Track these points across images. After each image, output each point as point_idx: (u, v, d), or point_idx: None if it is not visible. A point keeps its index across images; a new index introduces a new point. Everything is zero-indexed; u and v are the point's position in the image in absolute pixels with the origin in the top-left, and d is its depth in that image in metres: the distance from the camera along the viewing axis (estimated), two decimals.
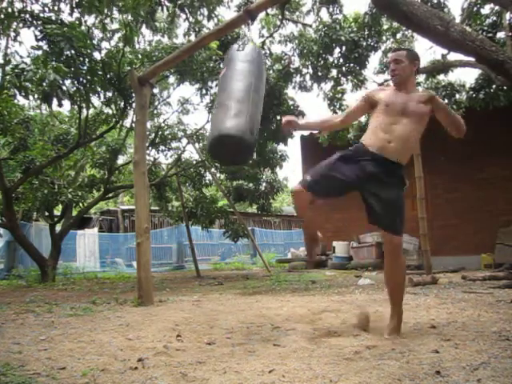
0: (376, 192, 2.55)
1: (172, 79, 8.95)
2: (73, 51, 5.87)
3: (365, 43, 7.45)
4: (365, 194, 2.60)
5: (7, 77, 4.85)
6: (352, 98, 8.76)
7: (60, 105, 5.45)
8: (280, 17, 7.97)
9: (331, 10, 7.66)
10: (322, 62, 7.75)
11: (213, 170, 10.17)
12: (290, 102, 8.73)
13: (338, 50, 7.59)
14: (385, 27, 7.80)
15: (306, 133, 10.45)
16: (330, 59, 7.80)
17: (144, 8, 6.07)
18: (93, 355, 2.24)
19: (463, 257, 8.14)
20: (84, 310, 3.93)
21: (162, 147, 9.81)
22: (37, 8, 6.03)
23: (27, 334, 2.83)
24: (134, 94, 5.61)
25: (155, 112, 9.80)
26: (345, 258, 9.54)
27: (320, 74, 7.93)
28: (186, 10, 6.70)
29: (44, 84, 4.90)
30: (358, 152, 2.58)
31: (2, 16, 5.53)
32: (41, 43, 5.85)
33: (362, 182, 2.53)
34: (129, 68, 6.57)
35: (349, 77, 8.10)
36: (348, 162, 2.53)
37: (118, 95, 7.32)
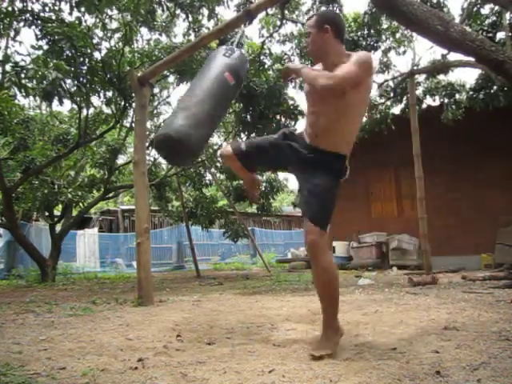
0: (304, 176, 2.29)
1: (172, 79, 8.96)
2: (73, 50, 5.88)
3: (364, 43, 7.46)
4: (296, 177, 2.44)
5: (7, 75, 4.84)
6: None
7: (61, 103, 5.45)
8: (280, 16, 7.96)
9: (331, 9, 7.65)
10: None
11: (213, 169, 10.17)
12: (290, 102, 8.73)
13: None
14: (384, 27, 7.81)
15: None
16: None
17: (144, 7, 6.07)
18: (93, 355, 2.24)
19: (463, 257, 8.15)
20: (84, 310, 3.93)
21: None
22: (37, 7, 6.05)
23: (27, 334, 2.83)
24: (133, 94, 5.61)
25: (155, 112, 9.81)
26: (345, 257, 9.55)
27: None
28: (186, 9, 6.70)
29: (45, 82, 4.90)
30: (298, 136, 2.38)
31: (2, 15, 5.53)
32: (41, 42, 5.86)
33: (292, 164, 2.37)
34: (129, 68, 6.57)
35: None
36: (287, 141, 2.35)
37: (117, 95, 7.32)
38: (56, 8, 6.09)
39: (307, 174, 2.25)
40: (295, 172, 2.46)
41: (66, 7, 8.49)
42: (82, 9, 5.69)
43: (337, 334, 2.18)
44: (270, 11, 8.18)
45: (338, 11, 7.63)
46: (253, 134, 8.97)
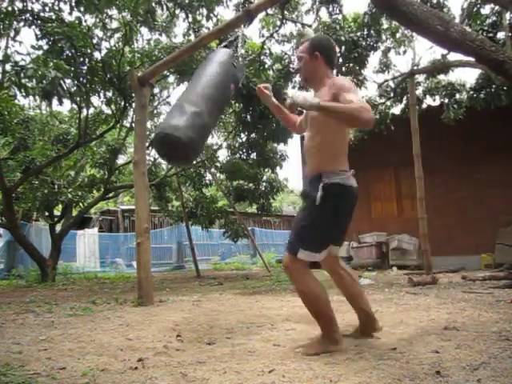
0: None
1: (172, 79, 8.96)
2: (73, 50, 5.88)
3: (364, 43, 7.45)
4: None
5: (7, 75, 4.84)
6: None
7: (60, 103, 5.44)
8: (280, 16, 7.96)
9: (331, 9, 7.65)
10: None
11: (213, 169, 10.17)
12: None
13: (337, 49, 7.58)
14: (384, 27, 7.80)
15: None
16: None
17: (143, 7, 6.07)
18: (93, 355, 2.24)
19: (463, 257, 8.15)
20: (84, 310, 3.93)
21: None
22: (37, 7, 6.05)
23: (27, 334, 2.83)
24: (133, 94, 5.61)
25: (155, 112, 9.81)
26: (345, 257, 9.54)
27: None
28: (186, 9, 6.70)
29: (44, 81, 4.90)
30: None
31: (2, 15, 5.53)
32: (41, 42, 5.86)
33: None
34: (129, 68, 6.57)
35: (348, 76, 8.10)
36: None
37: (118, 95, 7.32)
38: (56, 8, 6.09)
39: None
40: None
41: (65, 7, 8.49)
42: (82, 8, 5.69)
43: (332, 345, 2.17)
44: (269, 11, 8.18)
45: (337, 11, 7.65)
46: (253, 134, 8.98)
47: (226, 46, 3.17)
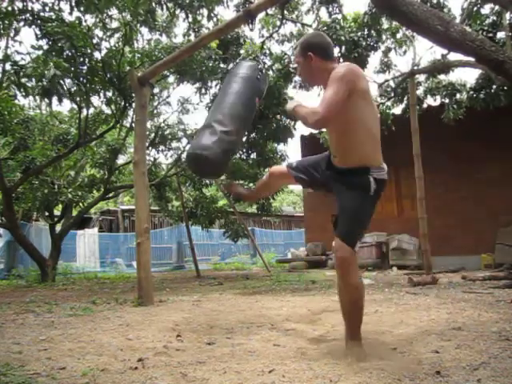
0: (336, 195, 2.31)
1: (172, 79, 8.95)
2: (73, 50, 5.88)
3: (364, 43, 7.45)
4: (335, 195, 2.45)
5: (6, 74, 4.84)
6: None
7: (60, 101, 5.44)
8: (280, 16, 7.97)
9: (331, 9, 7.65)
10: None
11: None
12: None
13: (337, 49, 7.59)
14: (384, 27, 7.79)
15: (306, 132, 10.46)
16: None
17: (144, 7, 6.07)
18: (93, 355, 2.24)
19: (463, 257, 8.15)
20: (84, 310, 3.93)
21: (161, 147, 9.81)
22: (37, 7, 6.05)
23: (27, 334, 2.83)
24: (133, 94, 5.61)
25: (155, 112, 9.80)
26: None
27: None
28: (186, 9, 6.70)
29: (44, 80, 4.90)
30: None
31: (2, 15, 5.53)
32: (41, 42, 5.86)
33: (328, 183, 2.39)
34: (129, 68, 6.57)
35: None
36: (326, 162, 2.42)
37: (117, 95, 7.32)
38: (56, 8, 6.09)
39: (337, 193, 2.29)
40: (333, 190, 2.42)
41: (66, 7, 8.50)
42: (82, 8, 5.69)
43: (361, 346, 2.10)
44: (270, 11, 8.19)
45: (337, 11, 7.64)
46: (253, 134, 8.98)
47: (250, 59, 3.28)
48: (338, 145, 2.27)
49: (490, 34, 6.84)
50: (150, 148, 9.34)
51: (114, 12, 6.51)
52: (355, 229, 2.17)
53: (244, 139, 3.38)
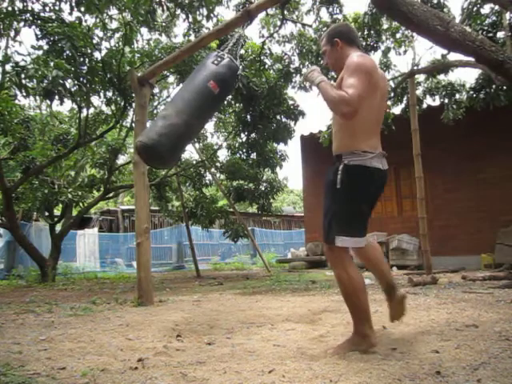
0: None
1: (172, 79, 8.96)
2: (73, 50, 5.88)
3: (364, 43, 7.45)
4: None
5: (7, 75, 4.84)
6: None
7: (61, 102, 5.44)
8: (280, 17, 7.97)
9: (331, 9, 7.65)
10: (321, 62, 7.76)
11: (213, 169, 10.17)
12: (290, 102, 8.74)
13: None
14: (384, 27, 7.80)
15: (306, 132, 10.46)
16: None
17: (144, 7, 6.07)
18: (93, 355, 2.24)
19: (463, 257, 8.15)
20: (84, 310, 3.93)
21: None
22: (37, 7, 6.05)
23: (27, 334, 2.83)
24: (133, 94, 5.61)
25: (155, 112, 9.80)
26: None
27: None
28: (186, 9, 6.70)
29: (45, 81, 4.90)
30: None
31: (2, 15, 5.53)
32: (41, 42, 5.86)
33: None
34: (129, 68, 6.57)
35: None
36: None
37: (117, 95, 7.32)
38: (56, 8, 6.10)
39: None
40: None
41: (66, 7, 8.51)
42: (82, 8, 5.69)
43: (364, 341, 2.12)
44: (270, 11, 8.19)
45: (338, 11, 7.64)
46: (253, 134, 8.98)
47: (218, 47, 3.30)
48: (341, 130, 2.26)
49: (490, 34, 6.84)
50: None
51: (114, 12, 6.52)
52: (330, 225, 2.16)
53: (203, 124, 3.36)
